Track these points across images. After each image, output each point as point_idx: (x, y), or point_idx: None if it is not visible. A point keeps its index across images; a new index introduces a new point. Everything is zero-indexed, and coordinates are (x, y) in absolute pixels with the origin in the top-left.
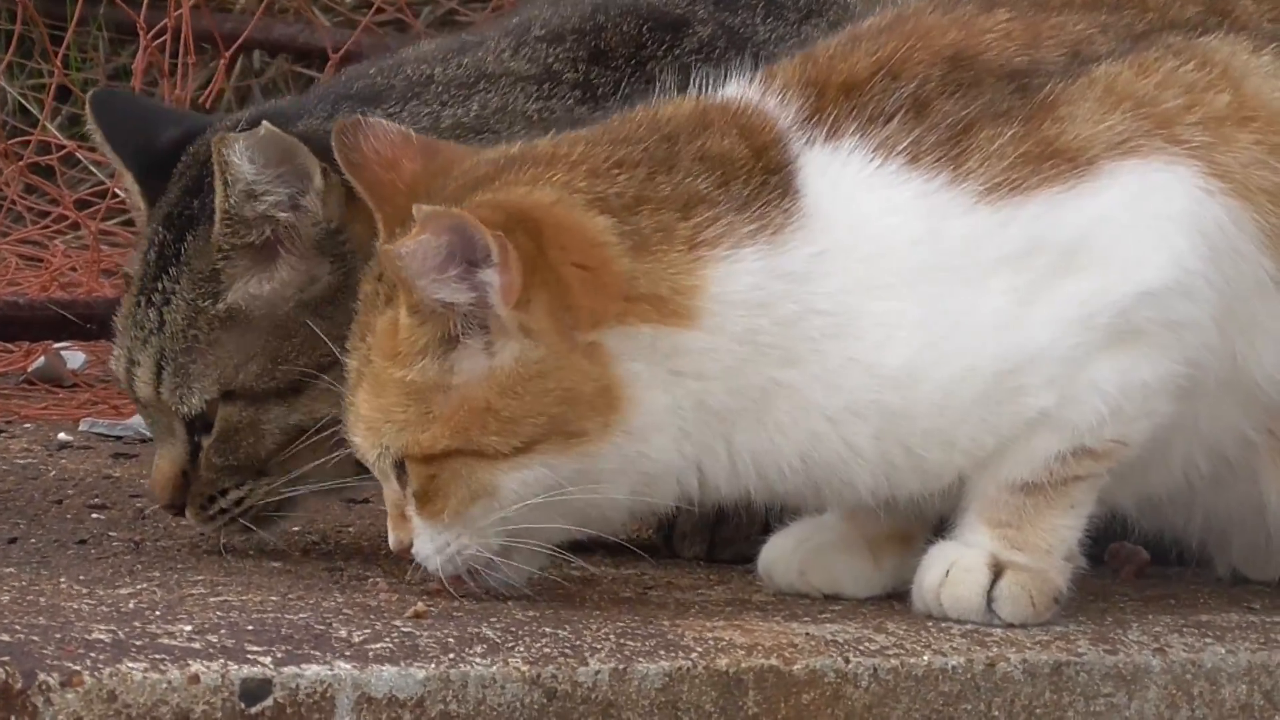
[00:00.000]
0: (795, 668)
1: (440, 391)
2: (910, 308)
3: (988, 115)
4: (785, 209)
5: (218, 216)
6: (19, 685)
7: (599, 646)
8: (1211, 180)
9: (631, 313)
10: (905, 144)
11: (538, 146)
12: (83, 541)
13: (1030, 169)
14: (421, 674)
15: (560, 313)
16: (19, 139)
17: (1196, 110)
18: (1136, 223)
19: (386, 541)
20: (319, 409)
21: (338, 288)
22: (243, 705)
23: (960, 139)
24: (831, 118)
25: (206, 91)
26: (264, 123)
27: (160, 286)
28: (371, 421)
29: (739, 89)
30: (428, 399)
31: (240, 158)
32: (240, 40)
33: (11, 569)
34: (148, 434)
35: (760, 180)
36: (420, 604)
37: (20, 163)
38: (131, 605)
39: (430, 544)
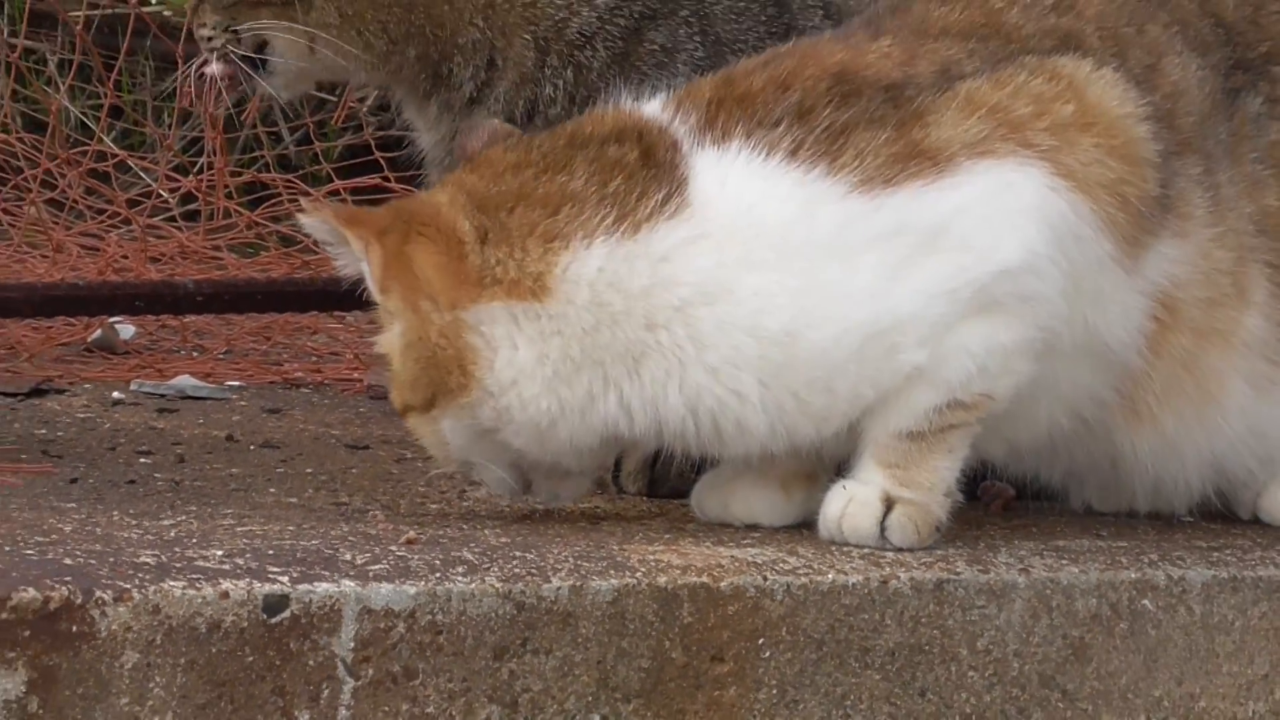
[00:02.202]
0: (722, 584)
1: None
2: (787, 278)
3: (864, 120)
4: (662, 202)
5: None
6: (79, 600)
7: (560, 567)
8: (1057, 179)
9: (486, 293)
10: (787, 143)
11: (500, 148)
12: (131, 481)
13: (899, 166)
14: (412, 590)
15: (417, 297)
16: (79, 149)
17: (1045, 118)
18: (993, 213)
19: (383, 479)
20: None
21: None
22: (264, 616)
23: (838, 139)
24: (722, 124)
25: (245, 114)
26: None
27: None
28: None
29: (656, 103)
30: (392, 363)
31: None
32: None
33: (72, 504)
34: (191, 394)
35: (642, 180)
36: (411, 532)
37: (80, 168)
38: (172, 534)
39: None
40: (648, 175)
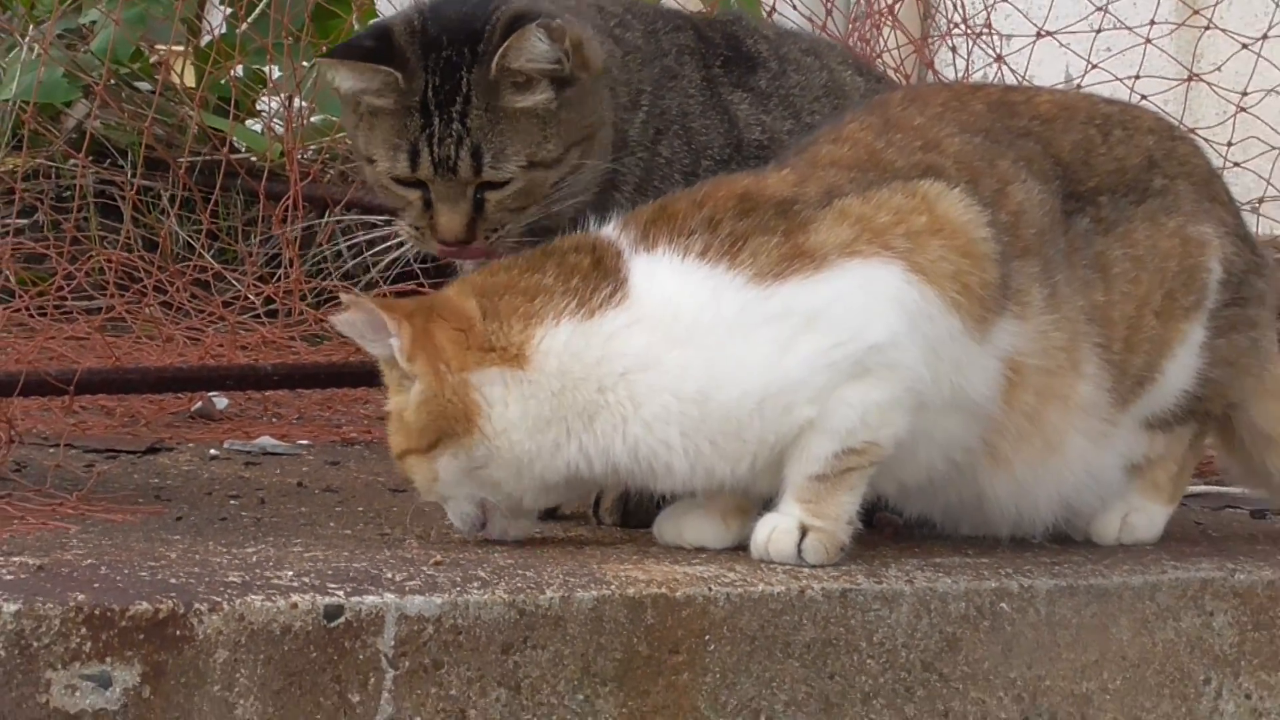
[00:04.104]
0: (678, 594)
1: (403, 413)
2: (700, 351)
3: (759, 228)
4: (609, 295)
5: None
6: (182, 611)
7: (552, 582)
8: (910, 274)
9: (486, 359)
10: (699, 246)
11: (498, 262)
12: (223, 519)
13: (786, 263)
14: (439, 600)
15: (437, 363)
16: (184, 263)
17: (902, 225)
18: (861, 300)
19: (418, 516)
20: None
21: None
22: (325, 621)
23: (738, 242)
24: (653, 236)
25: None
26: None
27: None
28: (391, 430)
29: (609, 225)
30: (402, 417)
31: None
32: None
33: (177, 537)
34: (270, 450)
35: (594, 280)
36: (438, 556)
37: (185, 278)
38: (254, 559)
39: (447, 510)
40: (599, 275)
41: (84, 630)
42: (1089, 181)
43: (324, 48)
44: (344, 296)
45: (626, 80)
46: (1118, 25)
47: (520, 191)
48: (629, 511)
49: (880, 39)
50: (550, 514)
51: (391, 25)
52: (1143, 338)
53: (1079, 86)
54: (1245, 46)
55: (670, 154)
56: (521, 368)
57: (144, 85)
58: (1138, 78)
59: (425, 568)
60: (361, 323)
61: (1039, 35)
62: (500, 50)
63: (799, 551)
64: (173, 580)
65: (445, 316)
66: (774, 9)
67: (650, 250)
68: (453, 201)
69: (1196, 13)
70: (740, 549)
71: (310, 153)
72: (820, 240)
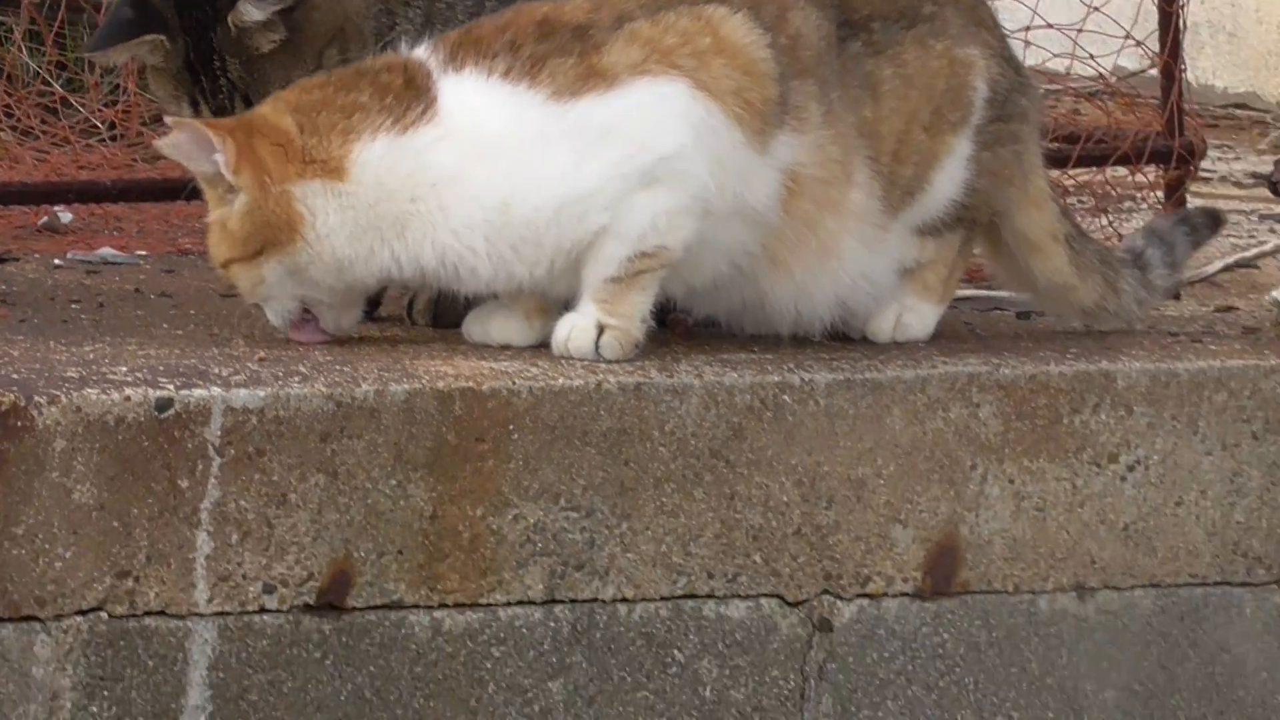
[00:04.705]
0: (484, 387)
1: (226, 223)
2: (503, 165)
3: (557, 51)
4: (421, 113)
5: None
6: (23, 403)
7: (368, 376)
8: (696, 90)
9: (308, 172)
10: (502, 68)
11: (311, 79)
12: (65, 322)
13: (581, 82)
14: (262, 393)
15: (261, 175)
16: (33, 88)
17: (688, 47)
18: (650, 115)
19: (245, 317)
20: None
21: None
22: (156, 413)
23: (539, 64)
24: (460, 58)
25: None
26: None
27: None
28: (213, 241)
29: (419, 49)
30: (225, 227)
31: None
32: None
33: (21, 338)
34: (111, 260)
35: (407, 98)
36: (262, 353)
37: (31, 103)
38: (91, 357)
39: (267, 310)
40: (411, 94)
41: None
42: (863, 10)
43: None
44: (168, 119)
45: None
46: None
47: None
48: (440, 313)
49: None
50: (368, 315)
51: None
52: (911, 151)
53: None
54: None
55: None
56: (341, 180)
57: None
58: None
59: (250, 364)
60: (186, 142)
61: None
62: (232, 10)
63: (596, 348)
64: (15, 376)
65: (264, 132)
66: None
67: (458, 71)
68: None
69: None
70: (543, 347)
71: None
72: (612, 61)
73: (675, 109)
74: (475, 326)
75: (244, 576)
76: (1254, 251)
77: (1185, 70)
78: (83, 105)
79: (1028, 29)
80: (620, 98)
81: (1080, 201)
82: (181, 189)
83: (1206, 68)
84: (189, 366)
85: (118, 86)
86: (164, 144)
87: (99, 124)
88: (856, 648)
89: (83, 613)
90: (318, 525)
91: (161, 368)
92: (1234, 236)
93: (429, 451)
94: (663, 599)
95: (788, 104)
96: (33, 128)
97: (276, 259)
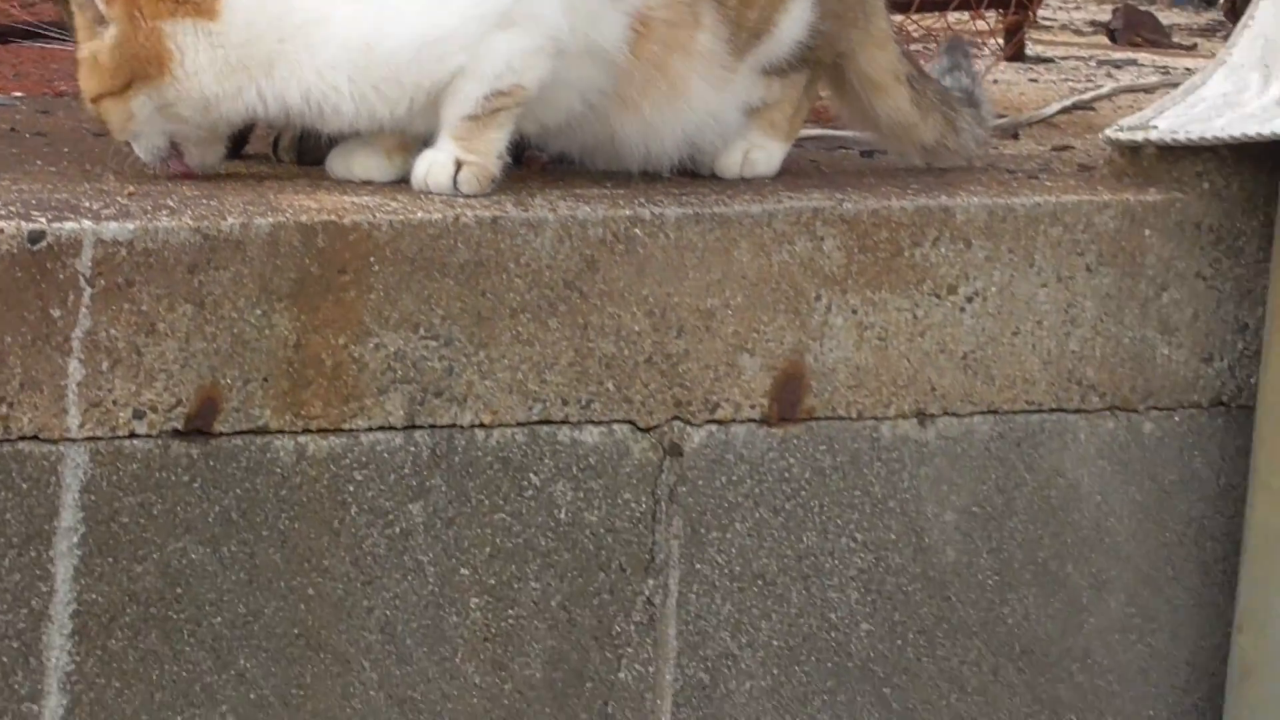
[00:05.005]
0: (345, 220)
1: (97, 56)
2: (366, 6)
3: None
4: None
5: None
6: None
7: (234, 210)
8: None
9: (180, 10)
10: None
11: None
12: None
13: None
14: (132, 226)
15: (132, 9)
16: None
17: None
18: None
19: (116, 155)
20: None
21: None
22: (29, 245)
23: None
24: None
25: None
26: None
27: None
28: (84, 76)
29: None
30: (96, 60)
31: None
32: None
33: None
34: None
35: None
36: (131, 188)
37: None
38: None
39: (136, 146)
40: None
41: None
42: None
43: None
44: None
45: None
46: None
47: None
48: (305, 150)
49: None
50: (235, 153)
51: None
52: None
53: None
54: None
55: None
56: (211, 20)
57: None
58: None
59: (120, 198)
60: None
61: None
62: None
63: (454, 183)
64: None
65: None
66: None
67: None
68: None
69: None
70: (403, 182)
71: None
72: None
73: None
74: (338, 163)
75: (114, 403)
76: (1090, 94)
77: None
78: None
79: None
80: None
81: (926, 49)
82: (54, 30)
83: None
84: (61, 201)
85: None
86: None
87: None
88: (706, 472)
89: None
90: (185, 353)
91: (34, 201)
92: (1073, 81)
93: (293, 282)
94: (519, 425)
95: None
96: None
97: (145, 94)
